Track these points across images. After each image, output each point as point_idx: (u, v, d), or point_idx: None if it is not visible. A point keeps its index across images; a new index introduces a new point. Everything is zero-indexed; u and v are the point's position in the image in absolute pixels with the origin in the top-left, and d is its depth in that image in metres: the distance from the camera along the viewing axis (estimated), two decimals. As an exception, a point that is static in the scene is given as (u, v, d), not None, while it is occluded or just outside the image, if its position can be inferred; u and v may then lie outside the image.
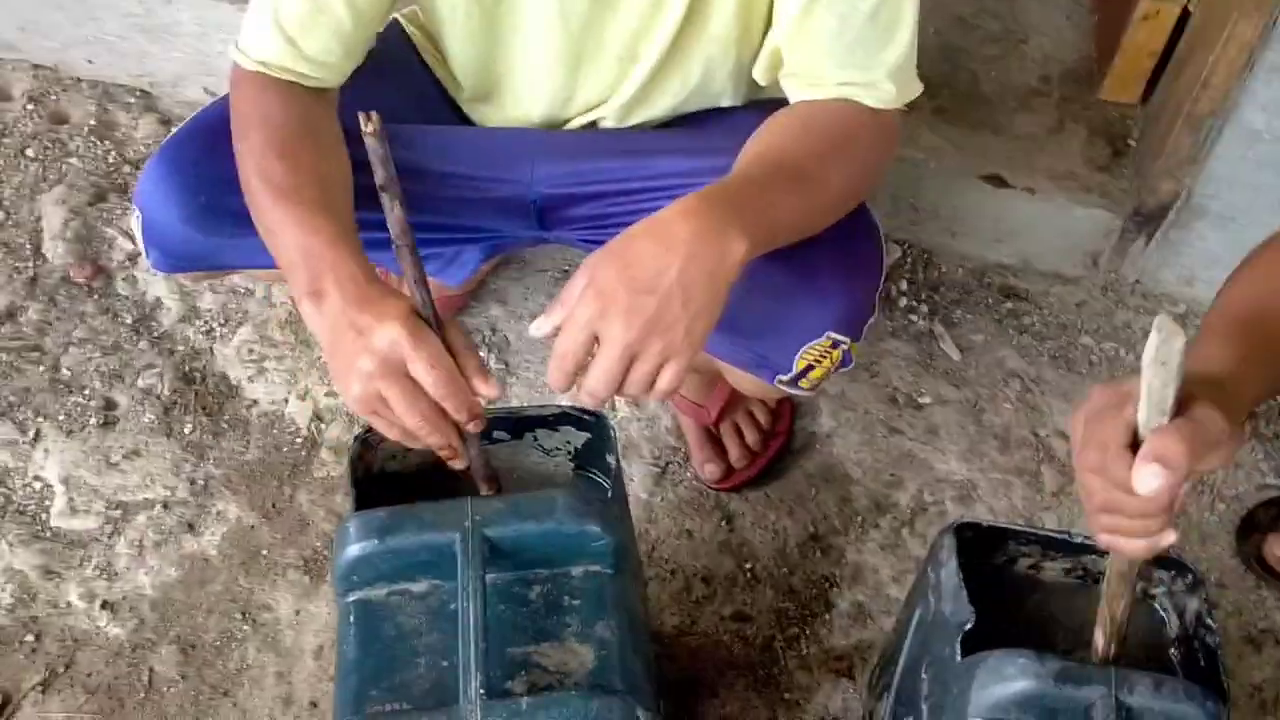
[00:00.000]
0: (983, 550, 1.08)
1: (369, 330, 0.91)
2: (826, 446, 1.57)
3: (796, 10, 1.03)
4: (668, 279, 0.90)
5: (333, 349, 0.95)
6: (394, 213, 0.85)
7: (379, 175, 0.82)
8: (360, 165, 1.15)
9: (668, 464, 1.56)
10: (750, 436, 1.52)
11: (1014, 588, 1.09)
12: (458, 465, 0.98)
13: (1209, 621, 0.98)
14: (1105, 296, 1.69)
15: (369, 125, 0.80)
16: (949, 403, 1.60)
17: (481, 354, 1.62)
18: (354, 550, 0.97)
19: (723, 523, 1.52)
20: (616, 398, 0.95)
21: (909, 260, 1.71)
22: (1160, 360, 0.71)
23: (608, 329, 0.90)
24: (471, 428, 0.95)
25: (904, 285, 1.69)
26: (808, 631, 1.44)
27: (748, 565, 1.49)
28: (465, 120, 1.29)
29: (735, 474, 1.52)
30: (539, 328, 0.96)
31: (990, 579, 1.08)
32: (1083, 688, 0.89)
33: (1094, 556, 1.05)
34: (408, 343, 0.90)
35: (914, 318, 1.67)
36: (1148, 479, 0.73)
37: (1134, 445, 0.75)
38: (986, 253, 1.70)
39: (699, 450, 1.52)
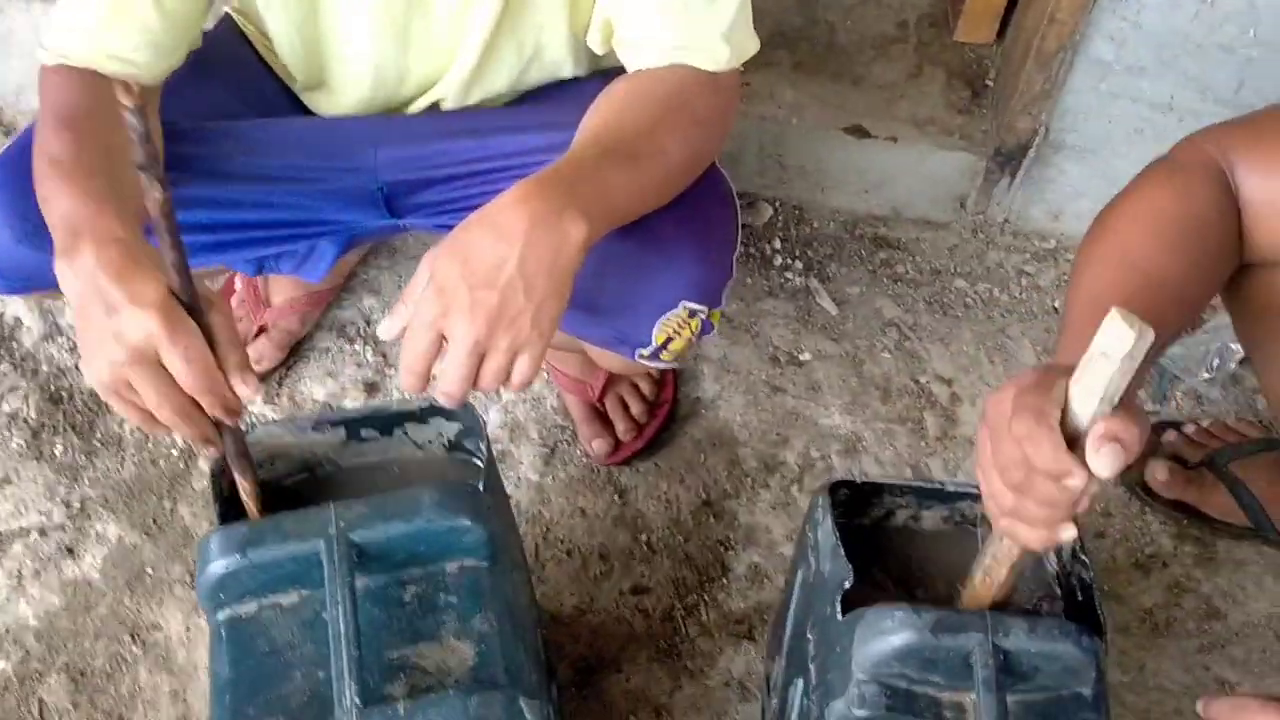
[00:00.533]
0: (860, 505, 1.08)
1: (121, 311, 0.84)
2: (712, 411, 1.57)
3: None
4: (507, 270, 0.88)
5: (81, 317, 0.88)
6: (152, 194, 0.78)
7: (137, 154, 0.75)
8: (196, 167, 1.13)
9: (556, 444, 1.54)
10: (635, 409, 1.52)
11: (894, 539, 1.10)
12: (211, 454, 0.94)
13: (1083, 557, 0.99)
14: (976, 238, 1.70)
15: (126, 98, 0.72)
16: (829, 357, 1.60)
17: (357, 347, 1.60)
18: (218, 567, 0.94)
19: (616, 497, 1.51)
20: (477, 391, 0.92)
21: (780, 218, 1.71)
22: (1131, 355, 0.70)
23: (453, 327, 0.88)
24: (227, 421, 0.90)
25: (777, 244, 1.69)
26: (706, 598, 1.44)
27: (643, 537, 1.48)
28: (306, 112, 1.25)
29: (623, 447, 1.51)
30: (386, 330, 0.93)
31: (870, 533, 1.08)
32: (959, 635, 0.90)
33: (969, 503, 1.06)
34: (163, 333, 0.84)
35: (789, 275, 1.67)
36: (1109, 459, 0.72)
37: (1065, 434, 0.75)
38: (856, 204, 1.70)
39: (585, 427, 1.51)
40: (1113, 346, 0.71)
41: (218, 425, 0.91)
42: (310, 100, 1.24)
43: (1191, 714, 1.39)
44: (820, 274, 1.67)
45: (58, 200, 0.92)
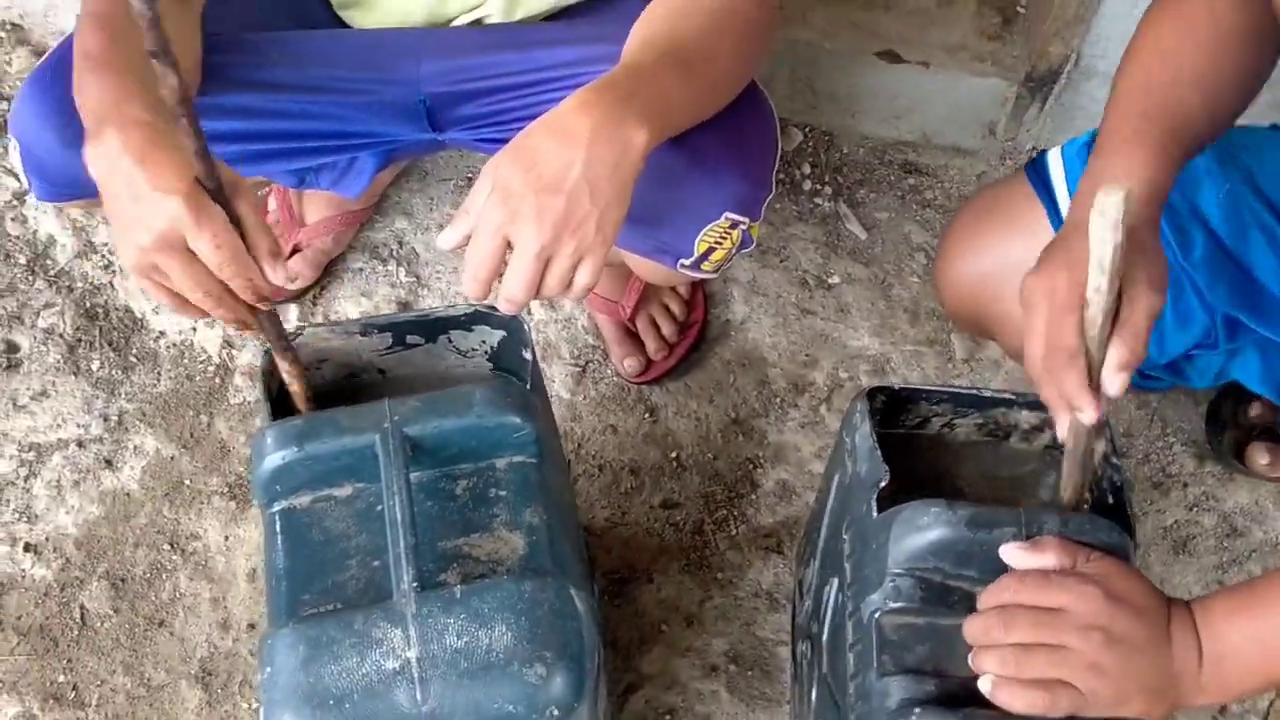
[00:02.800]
0: (896, 415, 1.10)
1: (145, 197, 0.85)
2: (741, 333, 1.59)
3: None
4: (573, 175, 0.89)
5: (109, 203, 0.88)
6: (167, 80, 0.77)
7: (148, 40, 0.75)
8: (238, 78, 1.13)
9: (587, 363, 1.56)
10: (666, 329, 1.53)
11: (929, 450, 1.12)
12: (248, 335, 0.95)
13: (1115, 460, 1.01)
14: (1004, 165, 1.71)
15: None
16: (857, 281, 1.62)
17: (390, 268, 1.62)
18: (273, 460, 0.96)
19: (646, 415, 1.53)
20: (540, 298, 0.94)
21: (810, 143, 1.72)
22: (1110, 226, 0.74)
23: (519, 232, 0.89)
24: (261, 307, 0.91)
25: (806, 169, 1.70)
26: (735, 513, 1.47)
27: (673, 454, 1.51)
28: (345, 25, 1.26)
29: (654, 366, 1.53)
30: (447, 239, 0.94)
31: (904, 444, 1.10)
32: (994, 530, 0.92)
33: (1004, 410, 1.08)
34: (189, 219, 0.84)
35: (818, 200, 1.68)
36: (1117, 383, 0.83)
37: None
38: (886, 131, 1.71)
39: (617, 346, 1.53)
40: (1103, 218, 0.74)
41: (252, 310, 0.92)
42: (351, 18, 1.24)
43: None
44: (849, 199, 1.68)
45: (88, 90, 0.93)
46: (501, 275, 0.93)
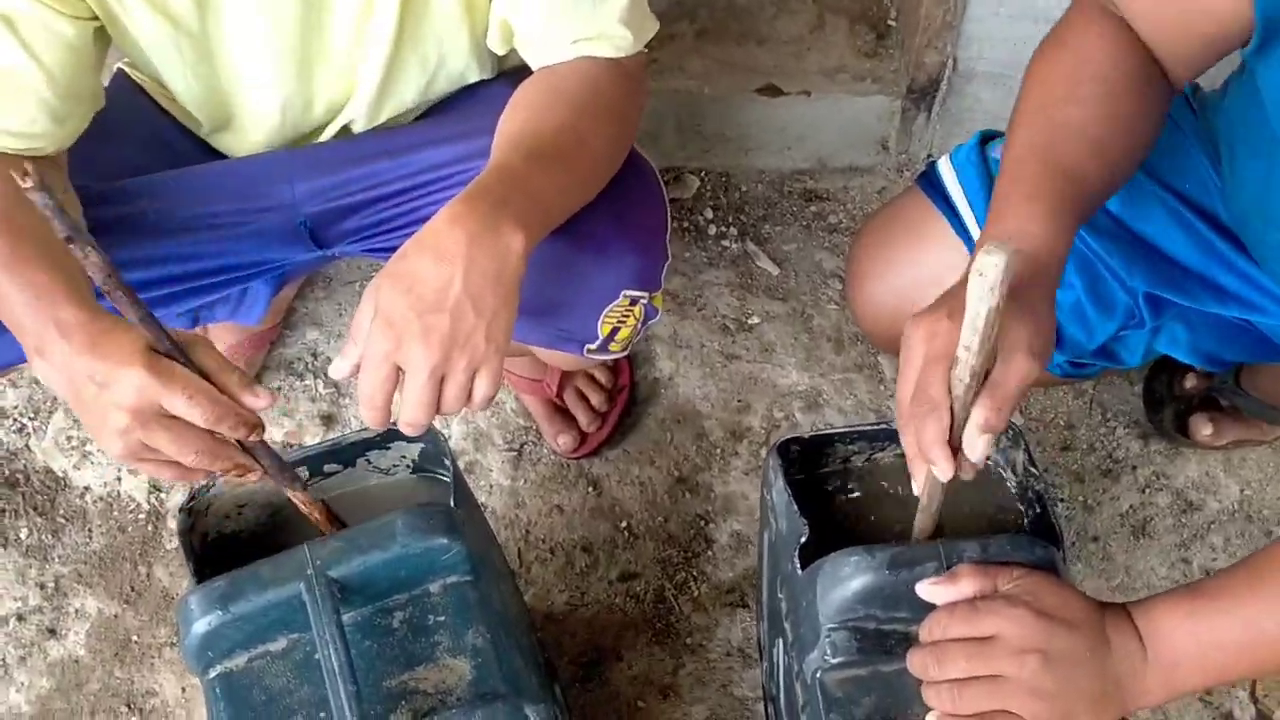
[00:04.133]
0: (817, 456, 1.09)
1: (109, 381, 0.84)
2: (671, 388, 1.57)
3: None
4: (454, 291, 0.87)
5: (77, 404, 0.88)
6: (89, 259, 0.78)
7: (58, 229, 0.75)
8: (114, 228, 1.11)
9: (522, 444, 1.54)
10: (595, 399, 1.52)
11: (861, 479, 1.11)
12: (252, 479, 0.94)
13: (1033, 469, 1.01)
14: (902, 178, 1.71)
15: (26, 180, 0.72)
16: (777, 317, 1.61)
17: (308, 382, 1.59)
18: (200, 626, 0.93)
19: (590, 489, 1.51)
20: (441, 415, 0.92)
21: (709, 187, 1.71)
22: (988, 287, 0.72)
23: (408, 357, 0.87)
24: (254, 439, 0.90)
25: (709, 213, 1.69)
26: (695, 573, 1.45)
27: (623, 524, 1.48)
28: (214, 154, 1.23)
29: (589, 439, 1.51)
30: (338, 370, 0.92)
31: (833, 484, 1.09)
32: (915, 568, 0.91)
33: None
34: (155, 384, 0.84)
35: (726, 242, 1.67)
36: (977, 448, 0.81)
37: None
38: (781, 162, 1.71)
39: (548, 424, 1.51)
40: (981, 279, 0.72)
41: (246, 450, 0.91)
42: (218, 142, 1.22)
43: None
44: (756, 236, 1.68)
45: (11, 302, 0.92)
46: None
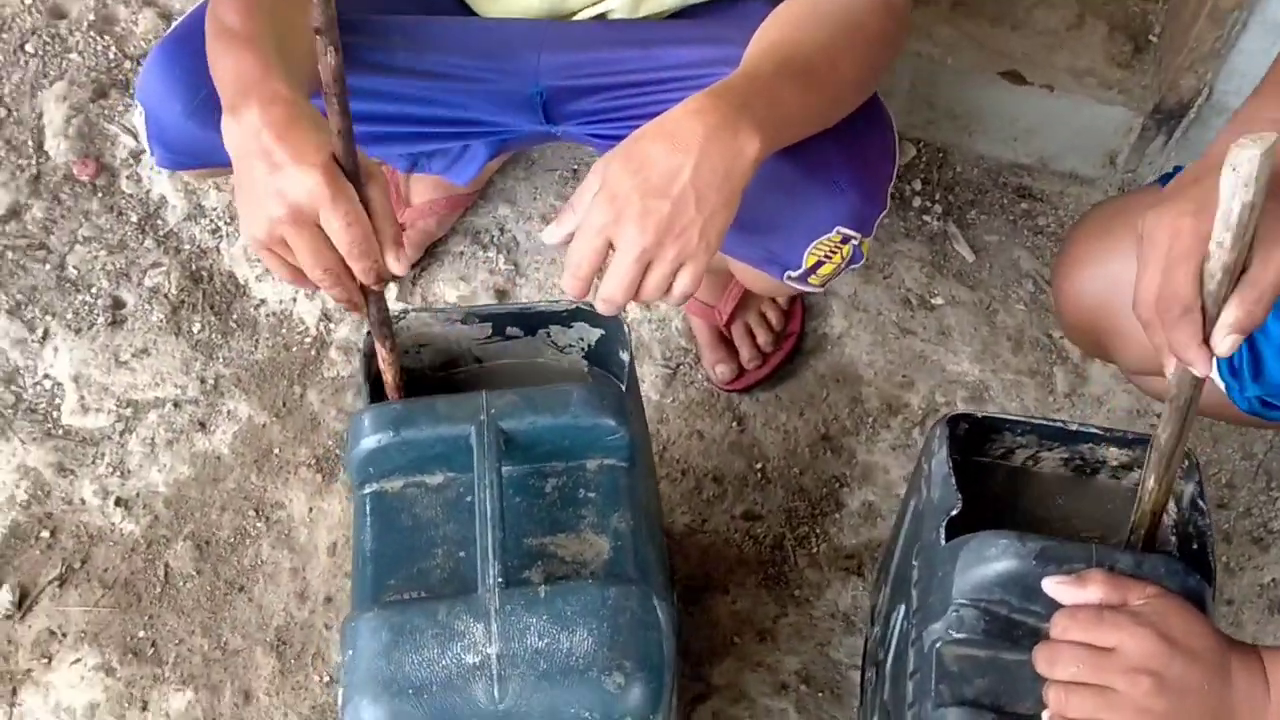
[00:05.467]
0: (981, 444, 1.08)
1: (283, 170, 0.86)
2: (838, 347, 1.56)
3: None
4: (681, 181, 0.88)
5: (243, 174, 0.90)
6: (325, 59, 0.79)
7: (316, 16, 0.76)
8: (360, 59, 1.14)
9: (679, 365, 1.55)
10: (762, 337, 1.52)
11: (1011, 481, 1.09)
12: (357, 315, 0.96)
13: (1201, 504, 0.98)
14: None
15: None
16: (962, 304, 1.59)
17: (490, 254, 1.62)
18: (369, 442, 0.97)
19: (734, 423, 1.52)
20: (637, 300, 0.93)
21: (924, 159, 1.69)
22: (1242, 182, 0.69)
23: (622, 234, 0.89)
24: (375, 288, 0.92)
25: (918, 185, 1.67)
26: (818, 530, 1.45)
27: (758, 465, 1.49)
28: (469, 11, 1.26)
29: (746, 375, 1.51)
30: (551, 235, 0.94)
31: (987, 474, 1.08)
32: (1064, 565, 0.90)
33: (1092, 445, 1.05)
34: (325, 194, 0.85)
35: (928, 218, 1.65)
36: (1226, 345, 0.79)
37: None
38: (1003, 152, 1.67)
39: (710, 351, 1.52)
40: (1235, 174, 0.69)
41: (364, 291, 0.93)
42: (475, 3, 1.24)
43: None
44: (959, 219, 1.65)
45: (226, 61, 0.94)
46: (602, 275, 0.92)
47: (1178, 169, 1.12)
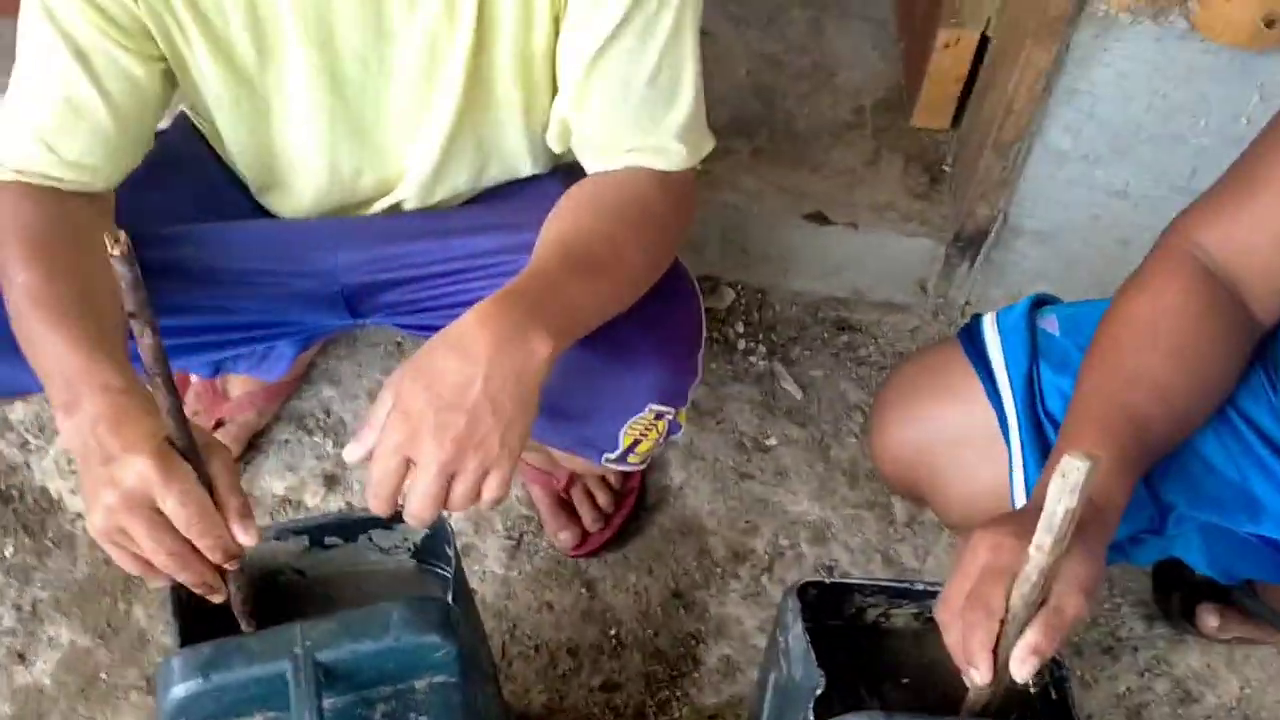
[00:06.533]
0: (831, 602, 1.07)
1: (115, 459, 0.84)
2: (680, 499, 1.55)
3: (578, 76, 1.01)
4: (474, 392, 0.87)
5: (82, 468, 0.88)
6: (144, 340, 0.78)
7: (128, 301, 0.75)
8: (153, 272, 1.11)
9: (522, 535, 1.52)
10: (602, 499, 1.50)
11: (868, 636, 1.09)
12: (216, 599, 0.93)
13: (1058, 657, 0.99)
14: (937, 320, 1.71)
15: (115, 247, 0.72)
16: (795, 442, 1.60)
17: (317, 439, 1.57)
18: (180, 690, 0.91)
19: (583, 590, 1.49)
20: (447, 511, 0.91)
21: (743, 302, 1.71)
22: (1068, 489, 0.73)
23: (420, 452, 0.87)
24: (228, 568, 0.90)
25: (740, 327, 1.69)
26: (678, 693, 1.42)
27: (612, 632, 1.46)
28: (264, 213, 1.23)
29: (591, 538, 1.49)
30: (351, 454, 0.92)
31: (841, 630, 1.07)
32: None
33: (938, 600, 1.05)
34: (156, 476, 0.83)
35: (753, 359, 1.67)
36: (1027, 670, 0.82)
37: None
38: (818, 288, 1.71)
39: (552, 519, 1.49)
40: (1064, 480, 0.73)
41: (220, 572, 0.90)
42: (266, 200, 1.22)
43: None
44: (784, 357, 1.67)
45: (47, 347, 0.92)
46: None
47: (977, 317, 1.15)
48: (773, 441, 1.60)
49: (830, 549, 1.52)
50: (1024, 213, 1.55)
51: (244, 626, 0.96)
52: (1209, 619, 1.45)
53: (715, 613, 1.48)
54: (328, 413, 1.60)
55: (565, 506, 1.50)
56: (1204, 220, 0.99)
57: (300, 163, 1.14)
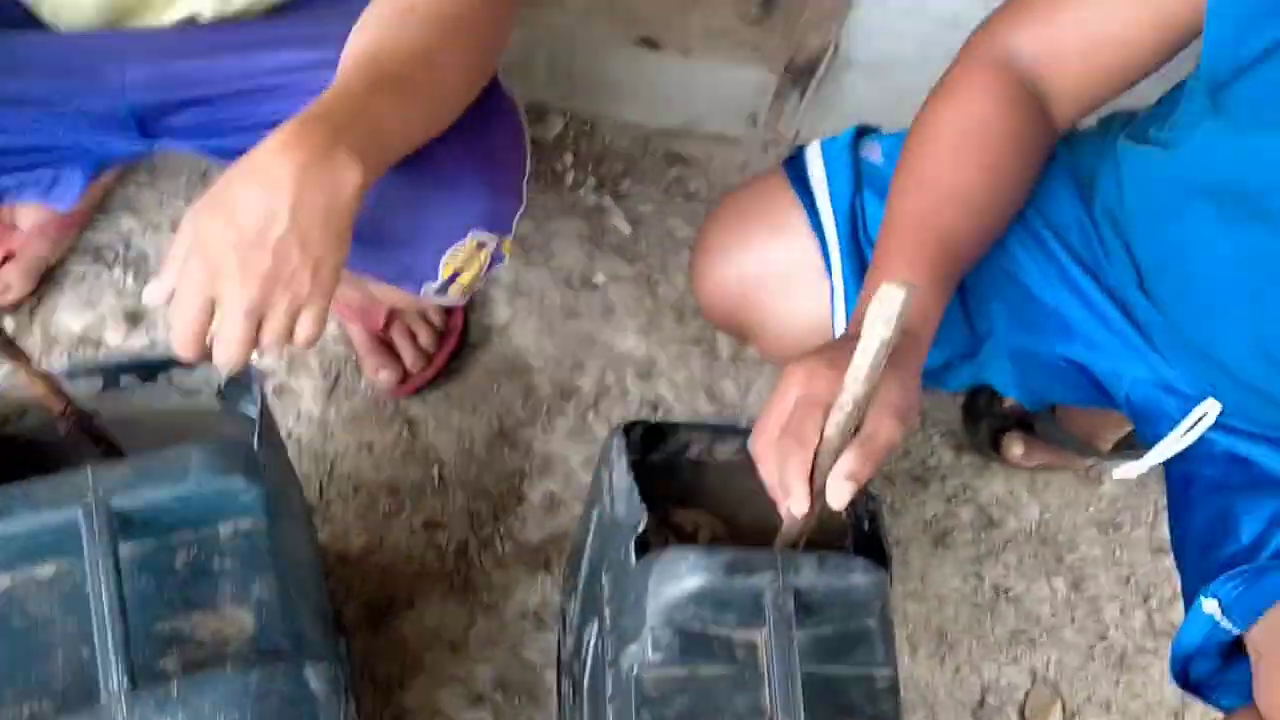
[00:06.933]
0: (655, 439, 1.07)
1: None
2: (505, 337, 1.52)
3: None
4: (279, 226, 0.80)
5: None
6: None
7: None
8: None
9: (338, 375, 1.47)
10: (424, 337, 1.45)
11: (691, 469, 1.09)
12: None
13: (871, 491, 1.00)
14: (766, 155, 1.69)
15: None
16: (623, 279, 1.57)
17: (116, 274, 1.48)
18: (-40, 540, 0.85)
19: (404, 430, 1.45)
20: (259, 354, 0.85)
21: (571, 132, 1.66)
22: (884, 318, 0.71)
23: (224, 292, 0.80)
24: None
25: (569, 159, 1.64)
26: (501, 530, 1.41)
27: (434, 471, 1.43)
28: (40, 26, 1.11)
29: (412, 378, 1.45)
30: (152, 295, 0.84)
31: (666, 468, 1.07)
32: (752, 575, 0.90)
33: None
34: None
35: (582, 192, 1.62)
36: (841, 494, 0.80)
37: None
38: (648, 119, 1.66)
39: (371, 358, 1.44)
40: (880, 306, 0.72)
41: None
42: (43, 10, 1.10)
43: (966, 618, 1.46)
44: (613, 191, 1.63)
45: None
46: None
47: (801, 148, 1.13)
48: (601, 279, 1.57)
49: (656, 385, 1.52)
50: (855, 44, 1.53)
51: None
52: (1014, 447, 1.50)
53: (540, 450, 1.46)
54: (128, 245, 1.50)
55: (384, 345, 1.45)
56: (1018, 21, 0.97)
57: None
